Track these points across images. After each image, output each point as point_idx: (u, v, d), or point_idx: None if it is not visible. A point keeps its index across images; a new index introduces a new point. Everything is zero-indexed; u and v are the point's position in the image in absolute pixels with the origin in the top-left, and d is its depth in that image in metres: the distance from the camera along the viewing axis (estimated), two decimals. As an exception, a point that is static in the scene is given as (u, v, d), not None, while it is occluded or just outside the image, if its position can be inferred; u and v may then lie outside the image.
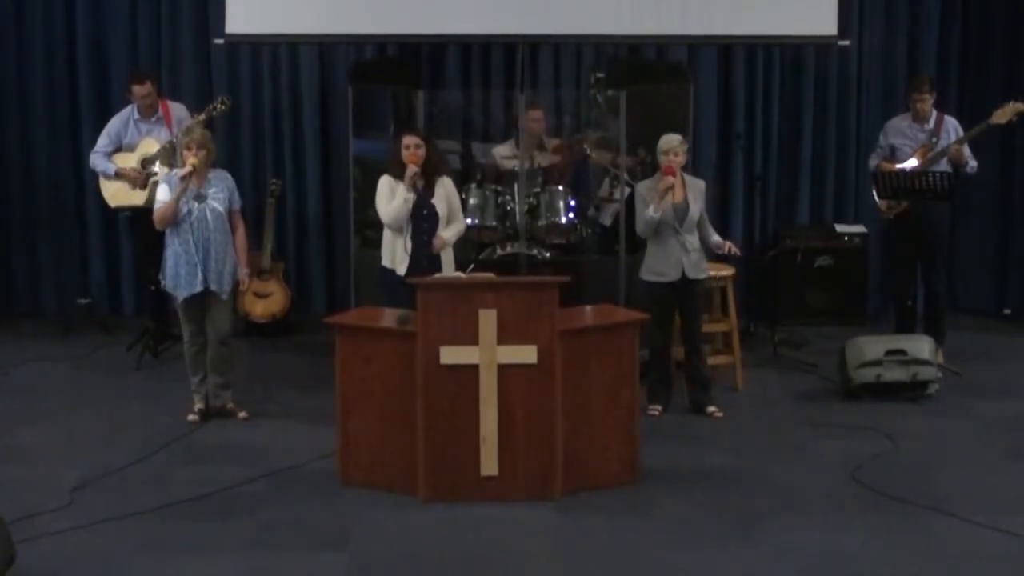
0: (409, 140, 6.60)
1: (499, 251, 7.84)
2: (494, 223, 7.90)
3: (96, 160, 7.97)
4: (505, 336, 5.55)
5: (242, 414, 6.81)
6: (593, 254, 8.10)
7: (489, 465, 5.59)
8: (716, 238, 6.88)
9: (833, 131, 9.30)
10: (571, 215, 7.97)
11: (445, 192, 6.71)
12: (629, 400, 5.81)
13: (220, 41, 8.57)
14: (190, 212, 6.58)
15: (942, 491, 5.69)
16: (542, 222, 7.88)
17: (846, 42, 8.74)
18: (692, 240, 6.76)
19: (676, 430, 6.62)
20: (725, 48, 9.08)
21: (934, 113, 7.87)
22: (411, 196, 6.55)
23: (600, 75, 8.86)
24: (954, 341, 7.99)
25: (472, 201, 7.82)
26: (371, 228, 7.87)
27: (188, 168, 6.54)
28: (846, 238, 9.08)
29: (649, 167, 7.22)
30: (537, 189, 7.94)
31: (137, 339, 8.10)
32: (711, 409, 6.85)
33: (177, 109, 8.03)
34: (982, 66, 9.23)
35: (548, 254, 7.85)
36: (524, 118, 8.09)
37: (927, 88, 7.81)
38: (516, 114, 8.27)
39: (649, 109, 7.92)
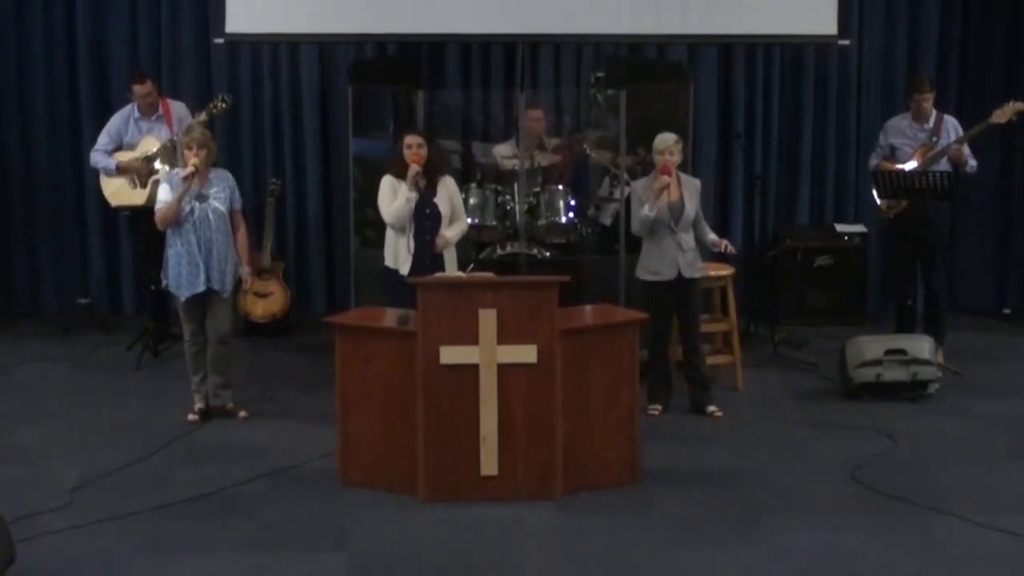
0: (411, 140, 6.60)
1: (499, 251, 7.84)
2: (494, 223, 7.90)
3: (97, 158, 7.97)
4: (505, 336, 5.55)
5: (242, 414, 6.81)
6: (593, 254, 8.10)
7: (489, 465, 5.59)
8: (712, 236, 6.89)
9: (833, 131, 9.29)
10: (571, 215, 7.96)
11: (447, 191, 6.72)
12: (629, 400, 5.81)
13: (220, 41, 8.57)
14: (192, 212, 6.58)
15: (942, 491, 5.69)
16: (542, 222, 7.88)
17: (846, 42, 8.73)
18: (688, 239, 6.76)
19: (676, 430, 6.62)
20: (725, 48, 9.07)
21: (934, 113, 7.87)
22: (413, 196, 6.55)
23: (600, 75, 8.85)
24: (954, 341, 7.99)
25: (472, 201, 7.82)
26: (371, 228, 7.87)
27: (190, 168, 6.54)
28: (846, 238, 9.08)
29: (649, 166, 7.21)
30: (537, 189, 7.93)
31: (137, 339, 8.10)
32: (711, 409, 6.85)
33: (177, 108, 8.03)
34: (982, 66, 9.22)
35: (548, 254, 7.85)
36: (524, 118, 8.09)
37: (927, 88, 7.81)
38: (516, 114, 8.27)
39: (649, 109, 7.92)
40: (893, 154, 7.90)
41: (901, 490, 5.69)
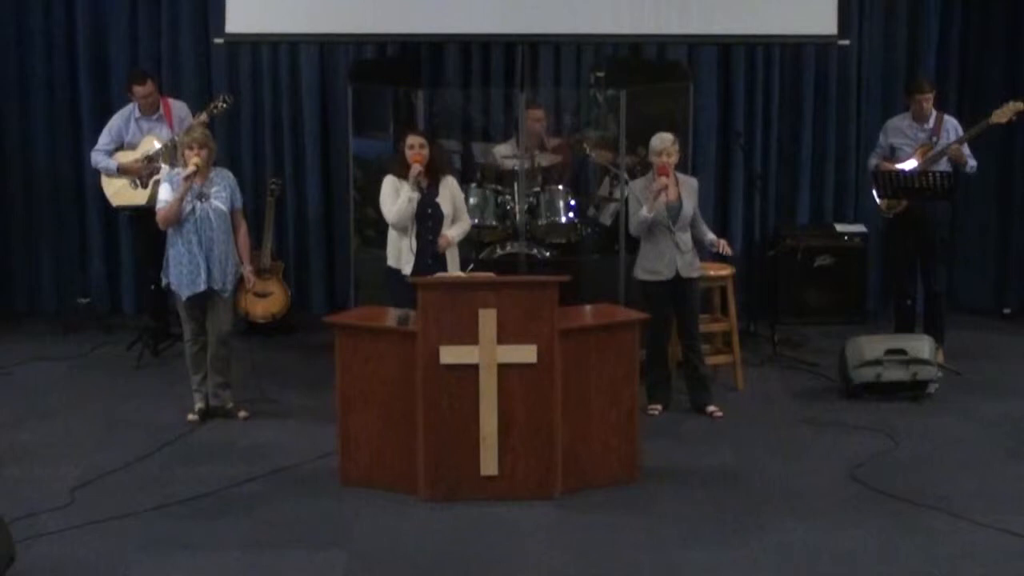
0: (413, 140, 6.61)
1: (499, 251, 7.84)
2: (494, 223, 7.90)
3: (98, 158, 7.98)
4: (505, 336, 5.55)
5: (242, 414, 6.81)
6: (593, 254, 8.10)
7: (489, 465, 5.60)
8: (711, 236, 6.89)
9: (833, 131, 9.29)
10: (571, 215, 7.97)
11: (450, 191, 6.72)
12: (629, 400, 5.81)
13: (220, 41, 8.58)
14: (193, 211, 6.58)
15: (942, 490, 5.69)
16: (542, 222, 7.89)
17: (846, 42, 8.75)
18: (685, 239, 6.77)
19: (676, 430, 6.62)
20: (725, 48, 9.07)
21: (934, 113, 7.87)
22: (415, 195, 6.56)
23: (600, 74, 8.86)
24: (954, 341, 7.99)
25: (472, 201, 7.82)
26: (371, 228, 7.88)
27: (192, 168, 6.54)
28: (846, 238, 9.09)
29: (648, 166, 7.21)
30: (537, 189, 7.94)
31: (137, 338, 8.10)
32: (711, 408, 6.85)
33: (178, 107, 8.03)
34: (982, 66, 9.23)
35: (548, 254, 7.85)
36: (525, 118, 8.09)
37: (927, 88, 7.81)
38: (516, 114, 8.27)
39: (649, 109, 7.92)
40: (893, 154, 7.90)
41: (901, 490, 5.69)
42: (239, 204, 6.78)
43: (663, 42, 8.93)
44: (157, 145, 7.83)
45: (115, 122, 8.02)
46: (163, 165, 7.57)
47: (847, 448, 6.30)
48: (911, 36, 9.20)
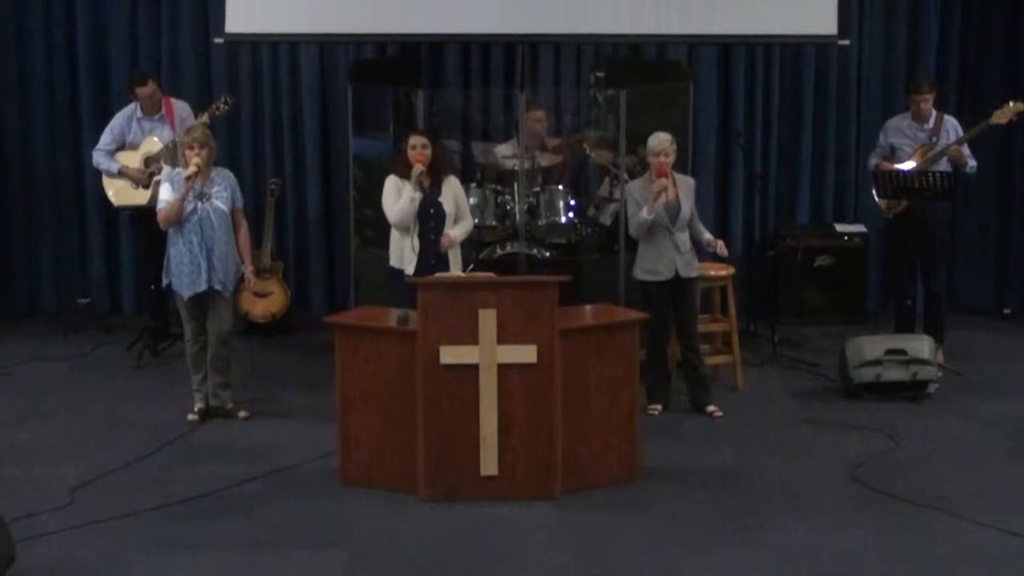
0: (416, 140, 6.61)
1: (499, 251, 7.83)
2: (494, 223, 7.90)
3: (99, 158, 7.98)
4: (505, 336, 5.55)
5: (242, 414, 6.81)
6: (593, 254, 8.10)
7: (489, 465, 5.60)
8: (708, 236, 6.89)
9: (833, 131, 9.29)
10: (571, 215, 7.97)
11: (452, 191, 6.72)
12: (629, 400, 5.81)
13: (220, 41, 8.57)
14: (194, 211, 6.58)
15: (942, 490, 5.69)
16: (542, 222, 7.88)
17: (846, 42, 8.74)
18: (684, 239, 6.77)
19: (676, 430, 6.62)
20: (725, 48, 9.07)
21: (934, 113, 7.86)
22: (418, 196, 6.56)
23: (600, 74, 8.85)
24: (954, 341, 7.99)
25: (472, 201, 7.80)
26: (371, 227, 7.87)
27: (193, 168, 6.54)
28: (846, 238, 9.09)
29: (647, 166, 7.21)
30: (537, 189, 7.93)
31: (137, 338, 8.10)
32: (711, 408, 6.85)
33: (180, 108, 8.03)
34: (982, 66, 9.22)
35: (548, 254, 7.85)
36: (526, 118, 8.09)
37: (926, 89, 7.81)
38: (516, 114, 8.27)
39: (649, 109, 7.92)
40: (893, 154, 7.90)
41: (901, 489, 5.69)
42: (240, 204, 6.78)
43: (663, 42, 8.93)
44: (158, 145, 7.83)
45: (117, 121, 8.02)
46: (164, 165, 7.58)
47: (847, 448, 6.30)
48: (911, 36, 9.20)
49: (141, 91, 7.89)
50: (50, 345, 8.40)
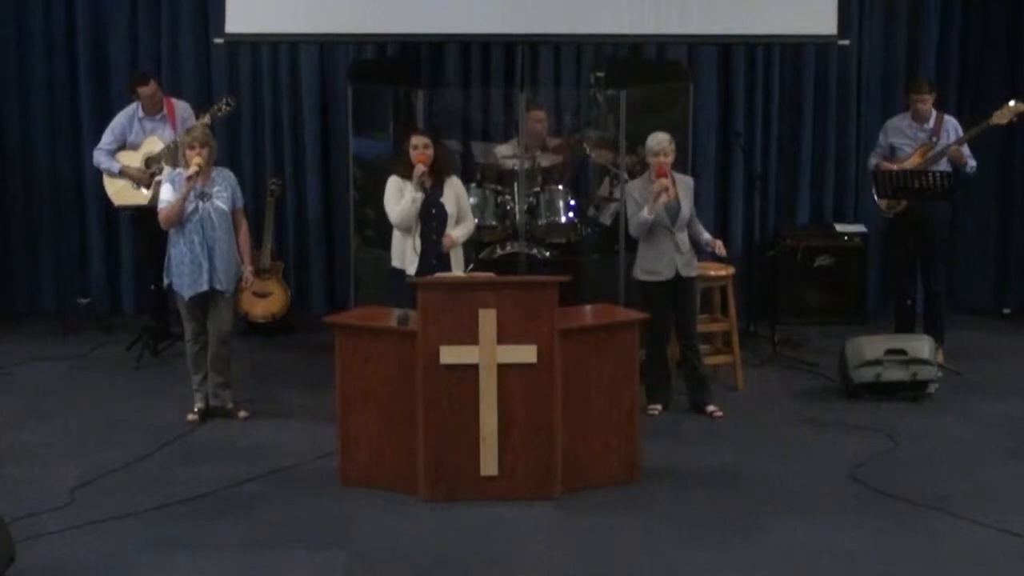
0: (418, 140, 6.60)
1: (499, 251, 7.83)
2: (494, 223, 7.90)
3: (100, 158, 7.98)
4: (505, 336, 5.55)
5: (242, 414, 6.81)
6: (593, 254, 8.10)
7: (489, 465, 5.59)
8: (707, 236, 6.89)
9: (833, 131, 9.30)
10: (571, 215, 7.97)
11: (454, 191, 6.72)
12: (629, 400, 5.81)
13: (220, 41, 8.57)
14: (195, 211, 6.58)
15: (942, 490, 5.69)
16: (542, 222, 7.88)
17: (846, 42, 8.75)
18: (684, 239, 6.78)
19: (676, 430, 6.62)
20: (725, 48, 9.08)
21: (934, 113, 7.87)
22: (419, 196, 6.55)
23: (600, 75, 8.86)
24: (954, 341, 7.99)
25: (472, 201, 7.79)
26: (371, 227, 7.87)
27: (194, 168, 6.54)
28: (846, 238, 9.09)
29: (647, 166, 7.21)
30: (537, 189, 7.93)
31: (137, 338, 8.10)
32: (711, 408, 6.85)
33: (181, 108, 8.04)
34: (982, 66, 9.23)
35: (548, 254, 7.85)
36: (526, 118, 8.09)
37: (926, 89, 7.81)
38: (516, 114, 8.27)
39: (649, 109, 7.92)
40: (893, 154, 7.90)
41: (901, 489, 5.69)
42: (240, 203, 6.78)
43: (663, 42, 8.93)
44: (159, 145, 7.83)
45: (118, 121, 8.03)
46: (165, 166, 7.58)
47: (847, 448, 6.30)
48: (911, 36, 9.20)
49: (143, 91, 7.89)
50: (50, 345, 8.41)
